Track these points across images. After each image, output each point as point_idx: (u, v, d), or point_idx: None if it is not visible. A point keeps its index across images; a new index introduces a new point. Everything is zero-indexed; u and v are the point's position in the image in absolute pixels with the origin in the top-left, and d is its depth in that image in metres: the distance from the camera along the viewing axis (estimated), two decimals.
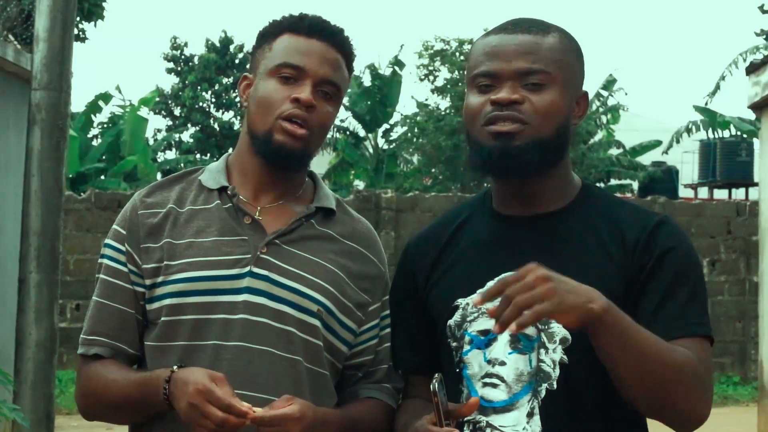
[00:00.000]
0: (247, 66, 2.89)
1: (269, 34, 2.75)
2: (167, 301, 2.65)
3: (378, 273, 2.78)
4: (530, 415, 2.46)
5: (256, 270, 2.64)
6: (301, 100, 2.64)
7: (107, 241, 2.75)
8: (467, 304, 2.56)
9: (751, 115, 16.74)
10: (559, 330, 2.47)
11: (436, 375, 2.38)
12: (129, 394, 2.62)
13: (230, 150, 2.93)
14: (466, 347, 2.54)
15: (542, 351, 2.47)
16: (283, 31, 2.72)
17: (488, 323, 2.51)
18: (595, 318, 2.28)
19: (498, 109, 2.48)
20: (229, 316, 2.62)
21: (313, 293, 2.66)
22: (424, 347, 2.65)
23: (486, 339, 2.52)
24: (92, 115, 27.04)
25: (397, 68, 27.57)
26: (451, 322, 2.58)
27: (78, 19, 15.54)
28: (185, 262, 2.65)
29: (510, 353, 2.48)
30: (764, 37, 24.19)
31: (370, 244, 2.81)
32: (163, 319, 2.65)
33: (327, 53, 2.70)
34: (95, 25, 17.71)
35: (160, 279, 2.66)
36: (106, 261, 2.74)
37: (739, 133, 26.31)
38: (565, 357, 2.46)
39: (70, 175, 22.94)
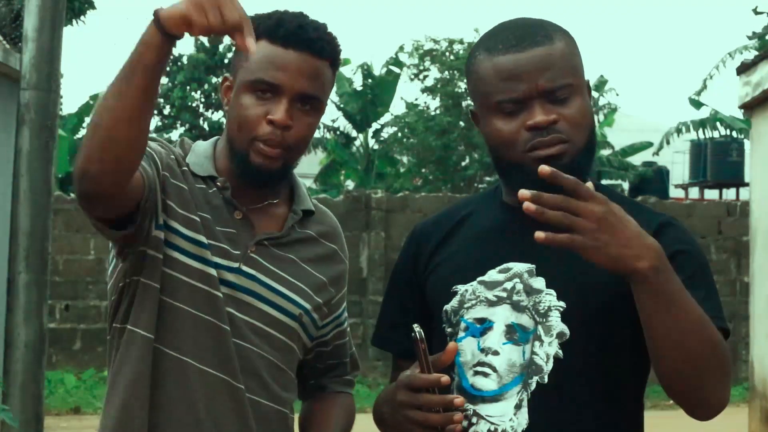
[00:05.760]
0: None
1: None
2: (169, 252, 2.58)
3: (344, 269, 2.83)
4: (518, 407, 2.43)
5: (245, 269, 2.62)
6: (276, 122, 2.58)
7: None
8: (466, 290, 2.54)
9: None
10: (557, 324, 2.45)
11: (416, 325, 2.36)
12: (123, 64, 2.38)
13: (216, 138, 2.82)
14: (461, 334, 2.52)
15: (537, 343, 2.45)
16: (260, 36, 2.59)
17: (486, 311, 2.50)
18: (639, 276, 2.25)
19: (539, 134, 2.44)
20: (216, 306, 2.59)
21: (297, 298, 2.66)
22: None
23: (481, 327, 2.50)
24: (85, 116, 27.06)
25: (394, 68, 27.54)
26: (447, 307, 2.56)
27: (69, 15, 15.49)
28: (187, 235, 2.59)
29: (504, 343, 2.46)
30: (756, 39, 24.23)
31: (339, 240, 2.83)
32: (167, 270, 2.58)
33: (304, 64, 2.61)
34: (84, 22, 17.66)
35: (164, 217, 2.58)
36: None
37: (731, 132, 26.34)
38: (560, 351, 2.44)
39: (60, 175, 22.89)
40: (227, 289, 2.61)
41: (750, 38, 24.46)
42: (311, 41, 2.62)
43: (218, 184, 2.67)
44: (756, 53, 16.79)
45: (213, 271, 2.59)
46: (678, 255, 2.45)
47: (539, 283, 2.48)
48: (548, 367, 2.45)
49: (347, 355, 2.88)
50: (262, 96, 2.60)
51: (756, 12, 24.13)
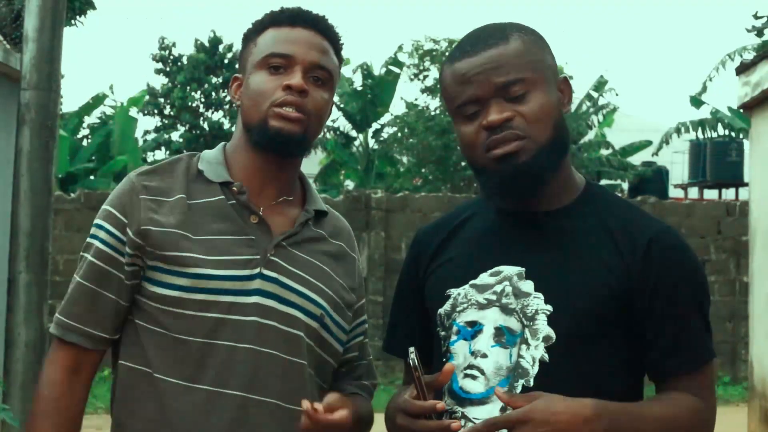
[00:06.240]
0: (236, 66, 2.89)
1: (253, 33, 2.74)
2: (177, 294, 2.58)
3: (359, 271, 2.85)
4: (504, 409, 2.42)
5: (266, 272, 2.61)
6: (293, 86, 2.62)
7: (100, 222, 2.66)
8: (458, 294, 2.55)
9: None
10: (543, 327, 2.46)
11: (411, 348, 2.38)
12: None
13: (223, 143, 2.87)
14: (453, 337, 2.54)
15: (524, 347, 2.47)
16: (266, 27, 2.71)
17: (476, 314, 2.52)
18: None
19: (494, 133, 2.46)
20: (242, 318, 2.58)
21: (317, 297, 2.66)
22: (425, 337, 2.64)
23: (472, 330, 2.51)
24: (85, 116, 27.08)
25: (393, 68, 27.54)
26: (441, 311, 2.58)
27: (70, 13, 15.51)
28: (199, 257, 2.58)
29: (492, 346, 2.48)
30: (755, 33, 24.22)
31: (351, 241, 2.85)
32: (177, 310, 2.58)
33: (313, 39, 2.68)
34: (83, 23, 17.69)
35: (167, 266, 2.58)
36: (97, 243, 2.64)
37: (730, 132, 26.32)
38: (545, 355, 2.46)
39: (60, 175, 22.92)
40: (253, 298, 2.59)
41: (749, 31, 24.43)
42: (316, 19, 2.72)
43: (234, 189, 2.67)
44: (754, 53, 16.80)
45: (215, 297, 2.58)
46: (665, 273, 2.48)
47: (528, 286, 2.49)
48: (534, 370, 2.46)
49: (367, 357, 2.88)
50: (275, 72, 2.65)
51: (756, 17, 24.15)
